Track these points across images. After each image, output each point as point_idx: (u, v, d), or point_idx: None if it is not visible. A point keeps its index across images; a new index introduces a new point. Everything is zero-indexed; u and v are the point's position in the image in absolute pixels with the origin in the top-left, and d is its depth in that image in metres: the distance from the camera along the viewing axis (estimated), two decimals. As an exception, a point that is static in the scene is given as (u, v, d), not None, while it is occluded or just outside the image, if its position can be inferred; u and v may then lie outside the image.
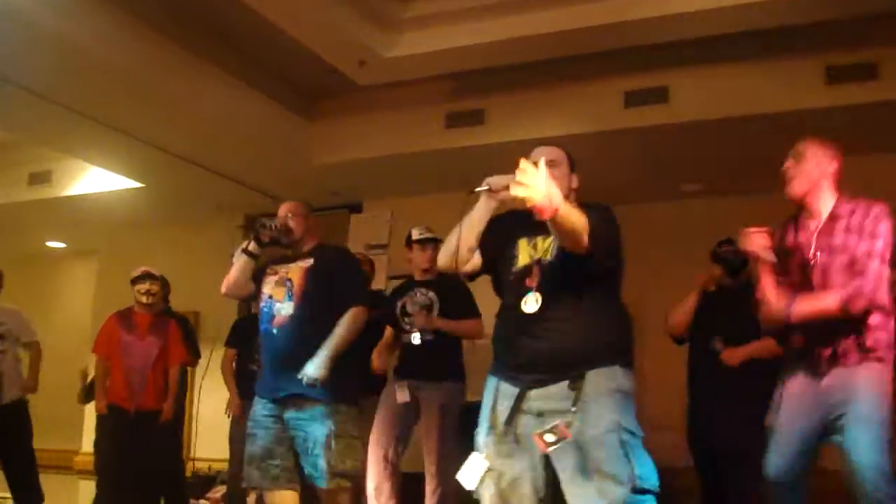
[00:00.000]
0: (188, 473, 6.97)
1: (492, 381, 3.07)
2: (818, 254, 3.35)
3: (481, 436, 3.03)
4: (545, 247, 3.03)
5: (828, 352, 3.24)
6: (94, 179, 7.70)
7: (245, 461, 4.04)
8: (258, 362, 5.91)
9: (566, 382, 2.88)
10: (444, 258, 3.14)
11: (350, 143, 6.71)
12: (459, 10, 5.57)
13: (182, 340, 6.10)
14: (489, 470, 2.97)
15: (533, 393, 2.93)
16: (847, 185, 6.20)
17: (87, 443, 6.64)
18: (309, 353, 3.96)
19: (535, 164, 2.91)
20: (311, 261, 4.19)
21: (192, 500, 6.54)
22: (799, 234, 3.47)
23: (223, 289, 4.30)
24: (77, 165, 7.64)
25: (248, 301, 5.03)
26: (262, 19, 5.22)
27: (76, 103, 5.83)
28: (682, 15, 5.11)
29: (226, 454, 6.31)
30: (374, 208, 7.75)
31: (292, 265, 4.21)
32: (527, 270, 3.02)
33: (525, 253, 3.07)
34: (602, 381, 2.88)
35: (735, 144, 6.01)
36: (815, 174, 3.46)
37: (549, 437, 2.82)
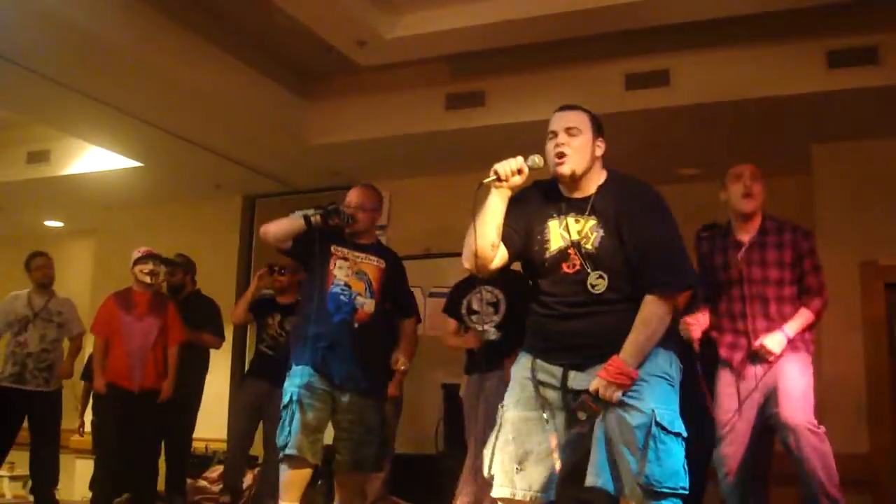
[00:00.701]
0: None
1: (526, 359, 2.97)
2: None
3: (509, 410, 2.92)
4: (581, 230, 2.87)
5: None
6: (93, 159, 7.68)
7: (299, 428, 3.99)
8: (266, 343, 5.99)
9: (599, 366, 2.77)
10: (467, 260, 2.93)
11: (349, 124, 6.69)
12: (460, -9, 5.55)
13: (181, 319, 6.10)
14: (513, 445, 2.87)
15: (571, 374, 2.84)
16: (849, 172, 6.25)
17: (86, 423, 6.66)
18: (378, 353, 4.35)
19: (555, 133, 2.93)
20: (383, 262, 4.40)
21: (189, 480, 6.55)
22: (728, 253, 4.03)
23: (262, 233, 4.35)
24: (75, 144, 7.62)
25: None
26: (261, -2, 5.20)
27: (75, 82, 5.81)
28: (684, -3, 5.11)
29: (222, 434, 6.33)
30: (372, 189, 7.73)
31: (362, 257, 4.35)
32: (562, 255, 2.88)
33: (556, 235, 2.90)
34: (643, 364, 2.77)
35: (735, 128, 6.01)
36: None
37: (581, 415, 2.76)
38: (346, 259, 4.29)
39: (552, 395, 2.88)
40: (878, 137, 6.04)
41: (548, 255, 2.90)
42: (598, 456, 2.77)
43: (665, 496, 2.69)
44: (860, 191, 6.13)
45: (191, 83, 5.85)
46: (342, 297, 4.22)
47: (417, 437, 6.42)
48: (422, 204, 7.41)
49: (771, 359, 3.83)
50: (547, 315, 2.93)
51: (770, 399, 3.85)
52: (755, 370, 3.88)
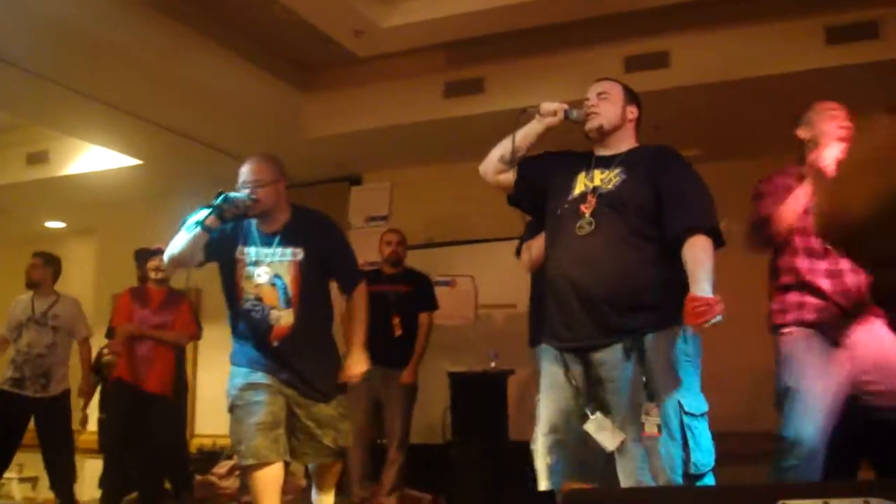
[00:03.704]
0: (192, 450, 7.00)
1: (550, 353, 3.00)
2: None
3: (542, 406, 2.98)
4: (605, 177, 3.01)
5: None
6: (92, 158, 7.67)
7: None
8: None
9: (621, 346, 2.80)
10: (482, 166, 3.28)
11: (348, 115, 6.67)
12: (456, -23, 5.52)
13: (194, 316, 6.09)
14: (551, 440, 2.93)
15: (592, 357, 2.86)
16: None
17: (93, 423, 6.64)
18: (318, 353, 3.82)
19: (588, 99, 3.15)
20: (300, 252, 3.76)
21: (197, 476, 6.55)
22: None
23: (165, 258, 3.82)
24: (74, 144, 7.60)
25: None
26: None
27: (71, 81, 5.79)
28: (682, -23, 5.08)
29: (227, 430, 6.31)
30: (373, 180, 7.72)
31: (274, 255, 3.76)
32: (582, 197, 3.00)
33: (581, 184, 3.05)
34: (663, 346, 2.79)
35: (736, 107, 5.98)
36: None
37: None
38: (255, 264, 3.74)
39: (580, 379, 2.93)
40: (879, 113, 6.00)
41: (570, 197, 3.03)
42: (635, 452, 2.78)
43: (705, 475, 2.76)
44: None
45: (188, 78, 5.82)
46: (254, 314, 3.73)
47: (424, 426, 6.41)
48: (423, 193, 7.39)
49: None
50: (559, 257, 3.01)
51: None
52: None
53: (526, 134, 3.19)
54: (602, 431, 2.81)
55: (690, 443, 2.72)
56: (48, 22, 4.95)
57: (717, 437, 2.84)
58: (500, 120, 6.18)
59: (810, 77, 5.48)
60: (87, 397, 6.43)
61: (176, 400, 6.08)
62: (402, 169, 7.40)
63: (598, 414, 2.82)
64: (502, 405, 5.64)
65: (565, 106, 3.13)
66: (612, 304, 2.83)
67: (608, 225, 2.90)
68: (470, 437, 5.59)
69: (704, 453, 2.76)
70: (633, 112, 3.19)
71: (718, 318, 2.64)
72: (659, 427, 2.71)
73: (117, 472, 5.91)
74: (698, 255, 2.77)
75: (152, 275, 5.94)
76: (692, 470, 2.71)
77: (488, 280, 6.81)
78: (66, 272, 6.65)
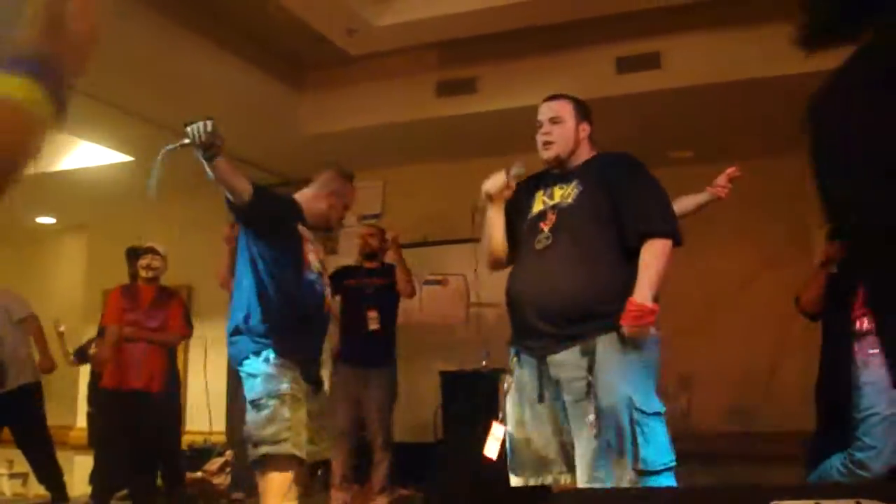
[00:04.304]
0: (183, 447, 6.99)
1: (515, 355, 3.15)
2: None
3: (510, 405, 3.11)
4: (563, 193, 3.09)
5: None
6: (82, 154, 7.65)
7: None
8: None
9: (577, 348, 2.90)
10: (489, 265, 3.38)
11: (341, 113, 6.67)
12: (449, -24, 5.52)
13: (185, 315, 6.05)
14: (517, 437, 3.05)
15: (548, 360, 2.97)
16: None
17: (82, 418, 6.63)
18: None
19: (540, 124, 3.18)
20: (320, 247, 4.00)
21: (188, 473, 6.54)
22: None
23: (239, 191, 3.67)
24: (65, 140, 7.58)
25: None
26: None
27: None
28: (674, -21, 5.09)
29: (220, 427, 6.31)
30: (366, 178, 7.69)
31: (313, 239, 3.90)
32: (542, 215, 3.10)
33: (540, 202, 3.15)
34: (614, 348, 2.89)
35: (728, 110, 6.00)
36: None
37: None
38: (311, 244, 3.86)
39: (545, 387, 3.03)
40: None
41: (529, 216, 3.14)
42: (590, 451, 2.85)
43: (659, 472, 2.81)
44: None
45: (181, 75, 5.82)
46: (318, 288, 3.80)
47: (415, 424, 6.42)
48: (416, 191, 7.40)
49: None
50: (520, 273, 3.15)
51: None
52: None
53: (491, 223, 3.26)
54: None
55: (640, 439, 2.78)
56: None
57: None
58: (492, 119, 6.24)
59: (802, 80, 5.49)
60: (47, 371, 6.18)
61: (168, 397, 6.05)
62: (395, 167, 7.41)
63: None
64: (494, 404, 5.65)
65: (511, 171, 3.18)
66: (566, 316, 2.95)
67: (565, 239, 3.01)
68: (461, 436, 5.60)
69: (655, 451, 2.81)
70: (585, 129, 3.25)
71: (652, 330, 2.83)
72: (599, 426, 2.80)
73: (108, 468, 5.88)
74: (648, 260, 2.89)
75: (143, 273, 5.91)
76: (641, 466, 2.77)
77: (480, 279, 6.82)
78: (56, 268, 6.67)
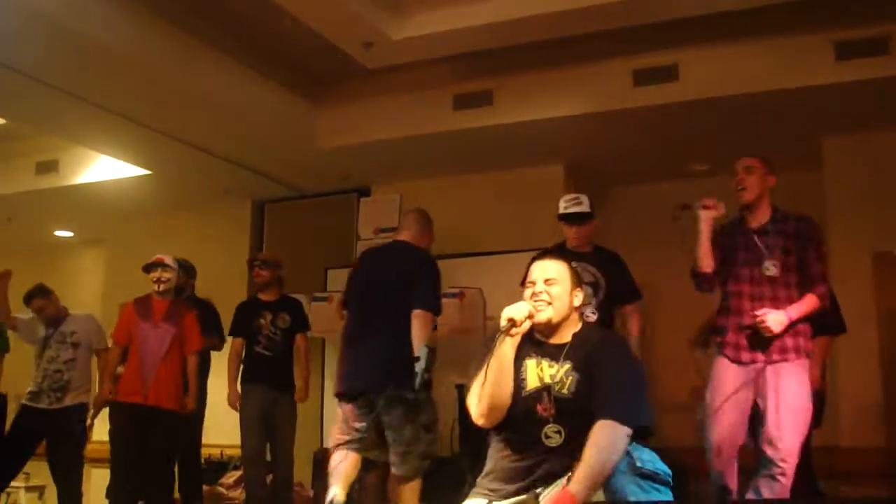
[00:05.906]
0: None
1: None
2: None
3: None
4: (555, 374, 2.87)
5: None
6: (101, 168, 7.70)
7: None
8: (262, 345, 6.06)
9: None
10: (482, 417, 2.99)
11: (357, 126, 6.68)
12: (465, -10, 5.53)
13: (198, 328, 6.03)
14: None
15: None
16: (860, 163, 6.22)
17: (98, 432, 6.63)
18: None
19: (533, 283, 2.97)
20: None
21: (205, 487, 6.54)
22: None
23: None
24: (83, 154, 7.63)
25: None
26: (267, 2, 5.17)
27: (82, 91, 5.82)
28: (692, -9, 5.08)
29: (236, 440, 6.30)
30: (383, 192, 7.72)
31: None
32: (538, 395, 2.87)
33: (534, 375, 2.91)
34: None
35: (745, 122, 5.97)
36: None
37: None
38: None
39: None
40: (890, 129, 5.99)
41: (524, 393, 2.89)
42: None
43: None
44: (872, 182, 6.09)
45: (198, 89, 5.85)
46: None
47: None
48: (432, 205, 7.33)
49: (768, 335, 3.89)
50: (521, 454, 2.94)
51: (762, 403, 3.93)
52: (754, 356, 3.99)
53: (510, 356, 2.90)
54: None
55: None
56: (60, 32, 4.98)
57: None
58: (509, 132, 6.24)
59: (819, 92, 5.48)
60: (97, 407, 6.37)
61: (189, 412, 6.06)
62: (412, 181, 7.40)
63: None
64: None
65: (523, 312, 2.85)
66: None
67: (576, 438, 2.76)
68: (479, 450, 5.56)
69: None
70: (578, 296, 2.99)
71: None
72: None
73: (124, 485, 5.87)
74: (589, 447, 2.65)
75: (154, 287, 5.91)
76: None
77: (497, 292, 6.80)
78: (74, 282, 6.69)
